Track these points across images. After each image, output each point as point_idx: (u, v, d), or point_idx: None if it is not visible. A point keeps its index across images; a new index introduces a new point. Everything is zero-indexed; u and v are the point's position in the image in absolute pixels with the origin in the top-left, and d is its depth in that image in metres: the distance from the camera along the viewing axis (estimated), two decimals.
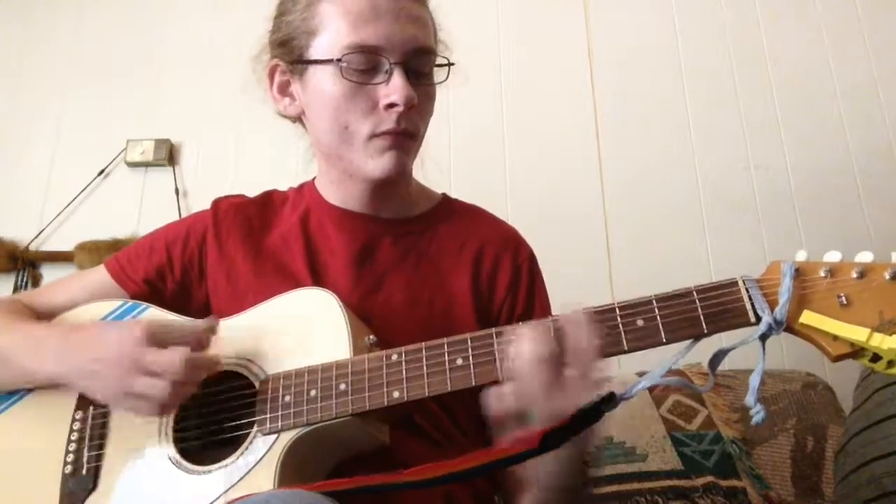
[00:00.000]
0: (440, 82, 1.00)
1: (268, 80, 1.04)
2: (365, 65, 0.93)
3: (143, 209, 2.11)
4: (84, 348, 0.87)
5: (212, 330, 0.88)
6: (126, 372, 0.82)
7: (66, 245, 2.05)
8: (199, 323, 0.89)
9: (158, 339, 0.83)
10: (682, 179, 2.04)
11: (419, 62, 0.95)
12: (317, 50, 0.95)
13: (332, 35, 0.93)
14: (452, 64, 1.00)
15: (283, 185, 1.16)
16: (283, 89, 1.02)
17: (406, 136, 0.96)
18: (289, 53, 0.99)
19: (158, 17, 2.32)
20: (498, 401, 0.74)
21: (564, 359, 0.73)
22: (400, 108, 0.92)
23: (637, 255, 1.97)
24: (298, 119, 1.06)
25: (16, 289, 2.02)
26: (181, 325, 0.90)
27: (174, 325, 0.89)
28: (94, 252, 2.00)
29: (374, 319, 0.94)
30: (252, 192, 1.14)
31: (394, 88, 0.92)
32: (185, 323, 0.92)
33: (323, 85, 0.95)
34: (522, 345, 0.75)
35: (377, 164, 0.95)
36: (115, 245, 1.98)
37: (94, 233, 2.04)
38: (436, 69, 0.99)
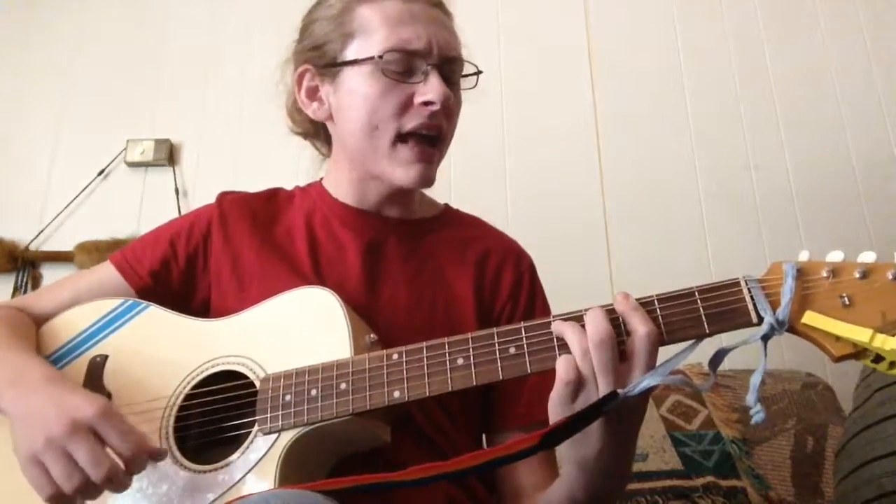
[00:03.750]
0: (469, 88, 1.03)
1: (296, 86, 1.05)
2: (403, 66, 0.95)
3: (143, 209, 2.11)
4: (35, 394, 0.81)
5: (159, 456, 0.80)
6: (49, 444, 0.75)
7: (66, 245, 2.05)
8: (145, 448, 0.79)
9: (104, 430, 0.77)
10: (682, 179, 2.04)
11: (450, 69, 0.98)
12: (353, 51, 0.97)
13: (370, 37, 0.96)
14: (481, 72, 1.02)
15: (283, 185, 1.16)
16: (312, 94, 1.04)
17: (434, 141, 0.98)
18: (321, 57, 1.00)
19: (159, 18, 2.32)
20: (566, 370, 0.73)
21: (624, 344, 0.73)
22: (436, 107, 0.94)
23: (637, 255, 1.97)
24: (319, 129, 1.09)
25: (16, 289, 2.02)
26: (129, 434, 0.78)
27: (124, 431, 0.78)
28: (94, 252, 2.00)
29: (378, 316, 0.95)
30: (252, 191, 1.14)
31: (431, 87, 0.94)
32: (137, 436, 0.79)
33: (358, 85, 0.97)
34: (580, 328, 0.74)
35: (405, 173, 0.97)
36: (115, 245, 1.98)
37: (94, 233, 2.04)
38: (462, 79, 1.02)
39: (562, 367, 0.73)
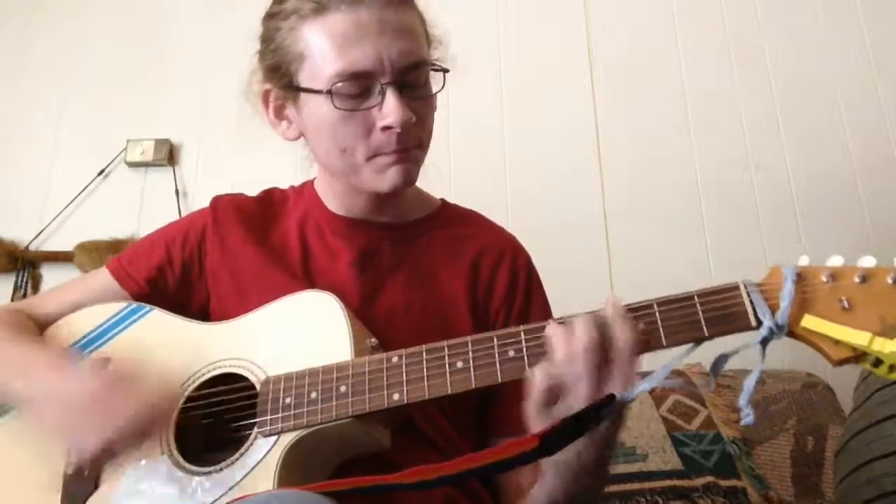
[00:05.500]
0: (437, 91, 0.97)
1: (262, 106, 1.02)
2: (356, 90, 0.89)
3: (143, 209, 2.11)
4: (53, 374, 0.86)
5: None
6: (91, 403, 0.81)
7: (66, 245, 2.05)
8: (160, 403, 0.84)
9: (125, 385, 0.82)
10: (682, 179, 2.04)
11: (412, 76, 0.92)
12: (305, 77, 0.92)
13: (318, 61, 0.90)
14: (447, 70, 0.96)
15: (283, 185, 1.16)
16: (279, 113, 1.00)
17: (408, 150, 0.94)
18: (280, 79, 0.96)
19: (158, 18, 2.32)
20: (543, 378, 0.74)
21: (608, 350, 0.73)
22: (397, 130, 0.90)
23: (637, 255, 1.97)
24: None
25: (16, 289, 2.02)
26: (147, 388, 0.84)
27: (142, 385, 0.84)
28: (94, 252, 2.00)
29: (374, 323, 0.94)
30: (252, 192, 1.14)
31: (388, 111, 0.89)
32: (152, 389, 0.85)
33: (317, 111, 0.92)
34: (568, 333, 0.74)
35: (384, 179, 0.94)
36: (115, 245, 1.98)
37: (94, 233, 2.04)
38: (433, 73, 0.96)
39: (538, 375, 0.74)
